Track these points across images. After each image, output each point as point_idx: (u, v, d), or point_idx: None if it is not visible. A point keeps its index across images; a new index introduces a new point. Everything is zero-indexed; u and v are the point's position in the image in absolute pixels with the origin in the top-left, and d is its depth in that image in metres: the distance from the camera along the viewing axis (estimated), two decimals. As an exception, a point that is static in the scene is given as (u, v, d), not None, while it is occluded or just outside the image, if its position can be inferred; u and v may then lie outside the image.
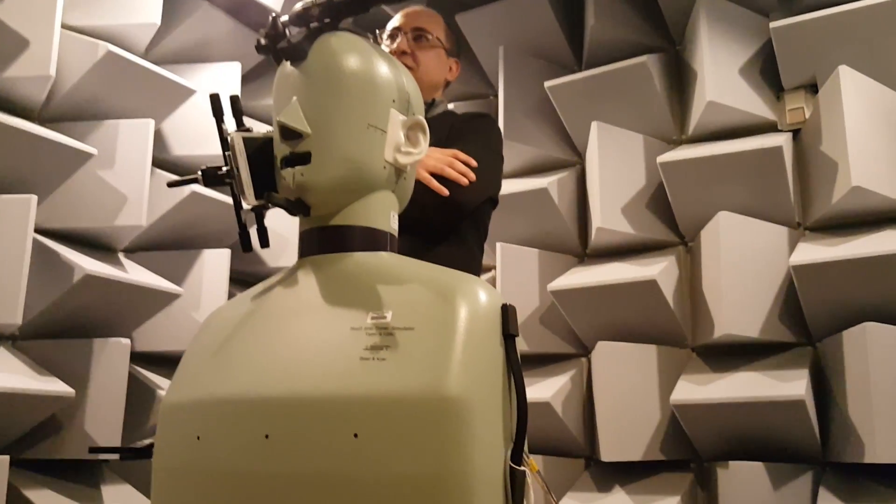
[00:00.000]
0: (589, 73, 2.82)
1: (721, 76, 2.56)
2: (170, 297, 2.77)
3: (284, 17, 1.18)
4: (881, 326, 2.16)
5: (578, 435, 2.70)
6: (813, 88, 2.54)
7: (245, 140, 1.10)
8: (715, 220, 2.49)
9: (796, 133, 2.57)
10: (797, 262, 2.31)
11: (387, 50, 1.93)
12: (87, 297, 2.44)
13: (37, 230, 2.38)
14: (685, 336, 2.63)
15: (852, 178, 2.23)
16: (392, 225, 1.14)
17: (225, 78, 3.17)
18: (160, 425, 1.09)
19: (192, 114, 3.06)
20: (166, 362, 2.94)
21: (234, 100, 1.21)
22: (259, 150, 1.11)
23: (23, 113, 2.49)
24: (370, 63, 1.12)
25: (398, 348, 0.93)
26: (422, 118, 1.15)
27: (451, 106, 3.17)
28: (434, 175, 1.65)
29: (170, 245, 2.97)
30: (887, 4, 2.36)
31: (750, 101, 2.58)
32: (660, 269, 2.56)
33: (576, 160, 2.99)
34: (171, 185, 1.30)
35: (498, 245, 2.90)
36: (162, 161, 3.05)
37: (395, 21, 1.97)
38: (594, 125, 2.74)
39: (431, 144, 1.89)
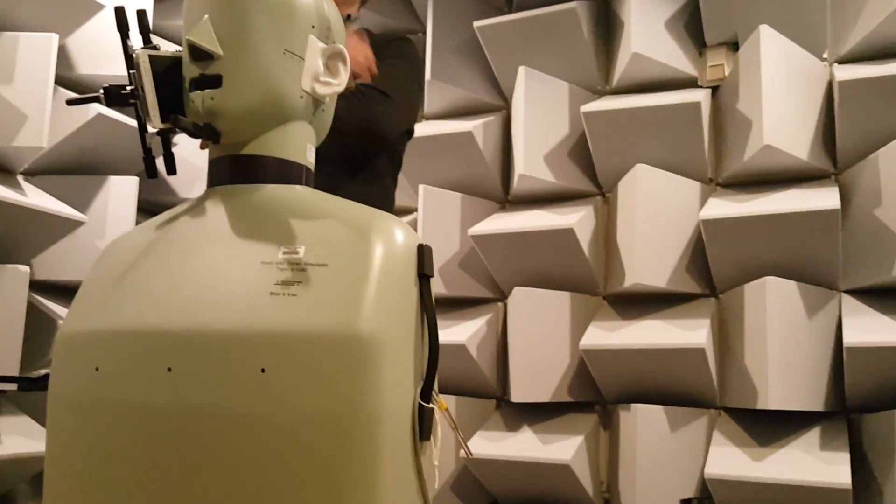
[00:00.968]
0: (519, 16, 2.79)
1: (647, 29, 2.58)
2: (72, 225, 2.65)
3: None
4: (780, 281, 2.26)
5: (491, 376, 2.76)
6: (734, 46, 2.59)
7: (152, 59, 1.04)
8: (632, 173, 2.53)
9: (715, 90, 2.62)
10: (706, 217, 2.38)
11: None
12: (-17, 220, 2.31)
13: (-73, 147, 2.23)
14: (598, 284, 2.70)
15: (764, 137, 2.29)
16: (308, 158, 1.11)
17: (136, -5, 3.00)
18: (56, 356, 1.05)
19: (100, 30, 2.89)
20: (68, 292, 2.82)
21: (140, 14, 1.14)
22: (167, 70, 1.05)
23: None
24: None
25: (310, 284, 0.91)
26: (342, 47, 1.10)
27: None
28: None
29: (73, 169, 2.84)
30: (810, -33, 2.42)
31: (673, 56, 2.61)
32: (577, 219, 2.60)
33: (502, 105, 2.98)
34: (70, 102, 1.22)
35: (421, 188, 2.88)
36: (66, 79, 2.89)
37: None
38: (521, 71, 2.72)
39: None
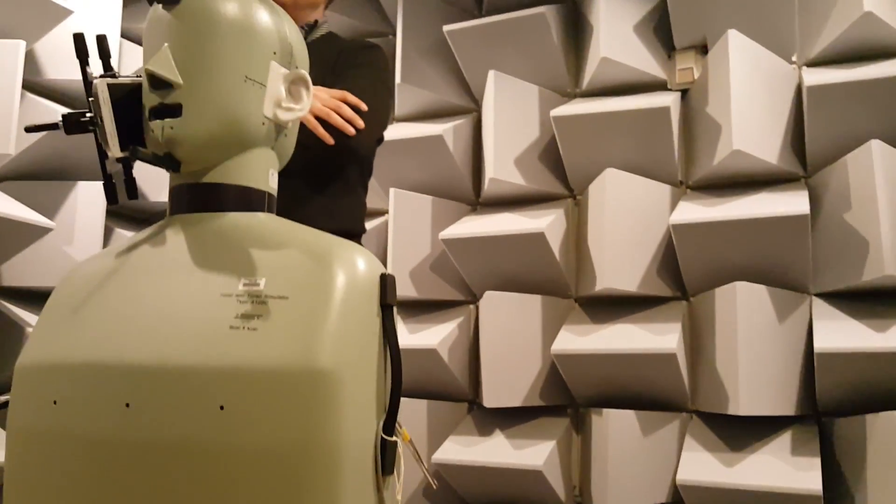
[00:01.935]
0: (488, 21, 2.79)
1: (616, 32, 2.58)
2: (40, 231, 2.62)
3: None
4: (750, 286, 2.28)
5: (463, 380, 2.76)
6: (703, 49, 2.60)
7: (111, 87, 1.02)
8: (602, 177, 2.54)
9: (685, 93, 2.64)
10: (676, 221, 2.40)
11: None
12: (-54, 230, 2.27)
13: None
14: (570, 287, 2.71)
15: (734, 142, 2.31)
16: (271, 184, 1.09)
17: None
18: (15, 387, 1.03)
19: (68, 35, 2.86)
20: (37, 298, 2.80)
21: (100, 40, 1.12)
22: (126, 98, 1.03)
23: None
24: (250, 11, 1.05)
25: (270, 318, 0.90)
26: (305, 73, 1.09)
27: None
28: (321, 120, 1.57)
29: (42, 175, 2.81)
30: (777, -27, 2.43)
31: (642, 59, 2.62)
32: (548, 222, 2.61)
33: (472, 107, 2.97)
34: (28, 129, 1.20)
35: (391, 191, 2.87)
36: (34, 84, 2.86)
37: None
38: (491, 74, 2.72)
39: (315, 72, 1.81)
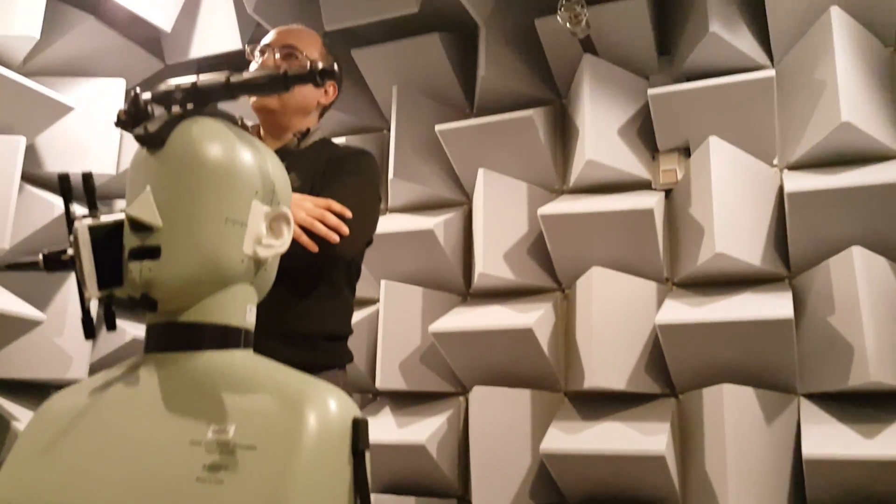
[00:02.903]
0: (477, 122, 2.86)
1: (600, 135, 2.65)
2: (31, 324, 2.64)
3: (147, 94, 1.13)
4: (737, 388, 2.29)
5: (452, 476, 2.73)
6: (686, 151, 2.66)
7: (91, 229, 1.05)
8: (588, 274, 2.57)
9: (669, 192, 2.69)
10: (662, 322, 2.41)
11: (255, 66, 1.85)
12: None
13: None
14: (559, 381, 2.70)
15: (716, 245, 2.35)
16: (249, 319, 1.11)
17: (109, 93, 3.06)
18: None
19: (70, 128, 2.95)
20: (25, 390, 2.80)
21: (85, 178, 1.15)
22: (106, 238, 1.05)
23: None
24: (232, 154, 1.08)
25: (238, 469, 0.91)
26: (286, 209, 1.11)
27: (342, 139, 3.15)
28: (306, 229, 1.59)
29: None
30: (757, 81, 2.50)
31: (627, 160, 2.68)
32: (536, 318, 2.62)
33: (463, 200, 3.03)
34: (9, 267, 1.22)
35: (382, 282, 2.90)
36: (35, 176, 2.92)
37: (268, 38, 1.87)
38: (480, 173, 2.78)
39: (304, 179, 1.83)
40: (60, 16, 2.90)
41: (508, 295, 2.83)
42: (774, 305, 2.33)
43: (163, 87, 1.13)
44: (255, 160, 1.11)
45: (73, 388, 1.12)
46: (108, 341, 2.98)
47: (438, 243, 2.87)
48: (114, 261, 1.06)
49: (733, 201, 2.43)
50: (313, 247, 1.57)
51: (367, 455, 0.99)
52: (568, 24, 2.53)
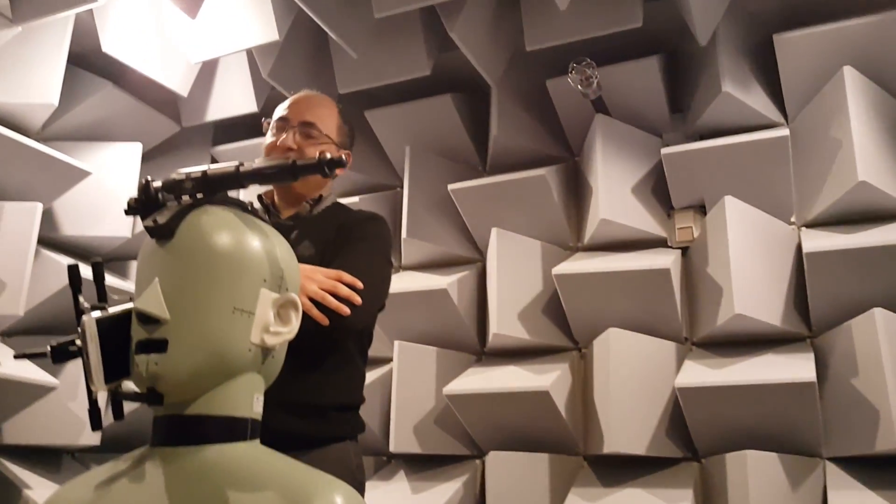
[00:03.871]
0: (490, 180, 2.86)
1: (614, 194, 2.63)
2: (44, 390, 2.63)
3: (158, 183, 1.13)
4: (761, 454, 2.22)
5: (470, 545, 2.67)
6: (702, 209, 2.64)
7: (99, 321, 1.04)
8: (605, 336, 2.53)
9: (685, 249, 2.66)
10: (682, 385, 2.36)
11: (271, 138, 1.84)
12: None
13: None
14: (577, 444, 2.64)
15: (735, 306, 2.31)
16: (256, 409, 1.09)
17: (125, 157, 3.10)
18: None
19: (87, 193, 2.97)
20: (37, 456, 2.78)
21: (96, 267, 1.15)
22: (114, 329, 1.05)
23: None
24: (240, 243, 1.07)
25: (240, 574, 0.88)
26: (294, 296, 1.10)
27: (356, 198, 3.15)
28: (316, 301, 1.56)
29: (52, 329, 2.83)
30: (772, 140, 2.49)
31: (641, 218, 2.66)
32: (553, 380, 2.58)
33: (477, 258, 3.01)
34: (17, 356, 1.22)
35: (396, 343, 2.87)
36: (52, 240, 2.95)
37: (283, 109, 1.86)
38: (494, 232, 2.76)
39: (315, 245, 1.81)
40: (78, 82, 2.95)
41: (524, 354, 2.79)
42: (797, 367, 2.27)
43: (174, 176, 1.13)
44: (263, 248, 1.10)
45: (79, 481, 1.10)
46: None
47: (452, 302, 2.85)
48: (121, 352, 1.05)
49: (751, 260, 2.39)
50: (324, 320, 1.55)
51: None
52: (579, 87, 2.54)
